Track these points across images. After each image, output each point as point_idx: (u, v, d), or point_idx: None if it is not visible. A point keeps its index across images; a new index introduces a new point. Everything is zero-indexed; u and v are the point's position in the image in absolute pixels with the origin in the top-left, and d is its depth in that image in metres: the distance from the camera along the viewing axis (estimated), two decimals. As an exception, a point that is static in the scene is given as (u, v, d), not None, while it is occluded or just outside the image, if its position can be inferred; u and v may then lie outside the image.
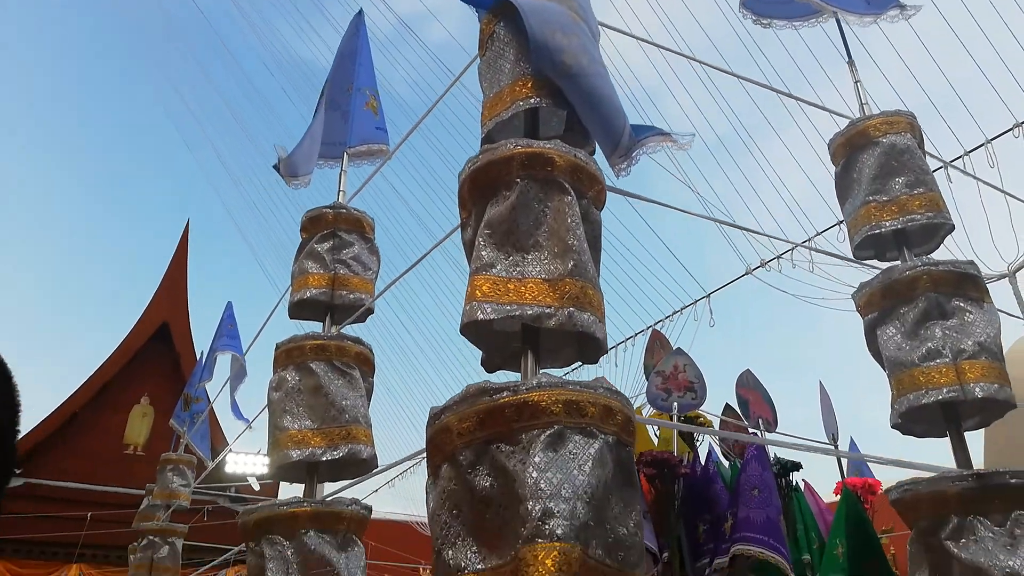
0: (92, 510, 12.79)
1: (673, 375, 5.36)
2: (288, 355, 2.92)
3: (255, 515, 2.64)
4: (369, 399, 3.05)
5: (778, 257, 6.20)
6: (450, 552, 1.58)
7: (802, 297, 6.00)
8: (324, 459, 2.77)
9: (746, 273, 6.54)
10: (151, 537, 5.61)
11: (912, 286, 2.37)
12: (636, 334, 7.75)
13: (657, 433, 5.72)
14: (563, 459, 1.53)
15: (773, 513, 4.11)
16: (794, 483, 5.14)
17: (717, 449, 5.59)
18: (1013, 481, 2.08)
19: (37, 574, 13.50)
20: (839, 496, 4.92)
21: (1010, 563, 2.00)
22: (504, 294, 1.80)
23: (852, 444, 7.12)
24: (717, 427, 5.99)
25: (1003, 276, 5.23)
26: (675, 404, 5.23)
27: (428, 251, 2.56)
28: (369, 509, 2.79)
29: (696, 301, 7.17)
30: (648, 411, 5.84)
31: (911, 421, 2.47)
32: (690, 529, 4.58)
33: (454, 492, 1.62)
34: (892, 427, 2.45)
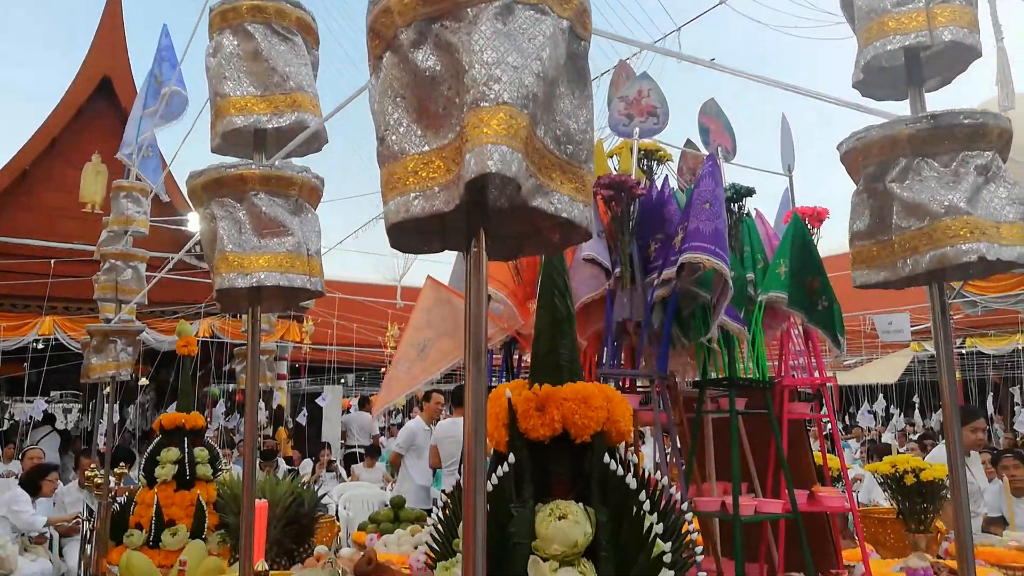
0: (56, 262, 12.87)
1: (636, 100, 5.20)
2: (223, 17, 2.69)
3: (202, 178, 2.56)
4: (315, 72, 2.88)
5: (755, -17, 5.84)
6: (393, 137, 1.52)
7: (775, 27, 5.75)
8: (271, 126, 2.64)
9: (720, 3, 6.19)
10: (113, 261, 5.62)
11: (896, -75, 2.19)
12: (603, 73, 7.47)
13: (616, 167, 5.70)
14: (512, 31, 1.43)
15: (721, 225, 4.20)
16: (746, 209, 5.24)
17: (673, 180, 5.62)
18: (966, 121, 2.07)
19: (11, 325, 13.88)
20: (788, 223, 5.05)
21: (949, 197, 2.04)
22: None
23: (786, 192, 7.15)
24: (677, 159, 5.96)
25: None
26: (636, 129, 5.13)
27: None
28: (322, 180, 2.73)
29: (666, 35, 6.87)
30: (612, 141, 5.78)
31: (872, 84, 2.41)
32: (642, 247, 4.71)
33: (397, 78, 1.53)
34: (853, 86, 2.39)
